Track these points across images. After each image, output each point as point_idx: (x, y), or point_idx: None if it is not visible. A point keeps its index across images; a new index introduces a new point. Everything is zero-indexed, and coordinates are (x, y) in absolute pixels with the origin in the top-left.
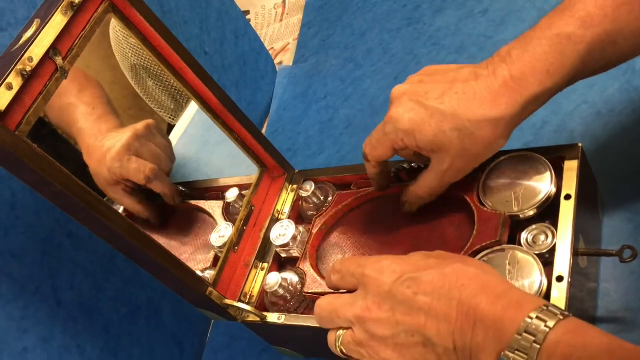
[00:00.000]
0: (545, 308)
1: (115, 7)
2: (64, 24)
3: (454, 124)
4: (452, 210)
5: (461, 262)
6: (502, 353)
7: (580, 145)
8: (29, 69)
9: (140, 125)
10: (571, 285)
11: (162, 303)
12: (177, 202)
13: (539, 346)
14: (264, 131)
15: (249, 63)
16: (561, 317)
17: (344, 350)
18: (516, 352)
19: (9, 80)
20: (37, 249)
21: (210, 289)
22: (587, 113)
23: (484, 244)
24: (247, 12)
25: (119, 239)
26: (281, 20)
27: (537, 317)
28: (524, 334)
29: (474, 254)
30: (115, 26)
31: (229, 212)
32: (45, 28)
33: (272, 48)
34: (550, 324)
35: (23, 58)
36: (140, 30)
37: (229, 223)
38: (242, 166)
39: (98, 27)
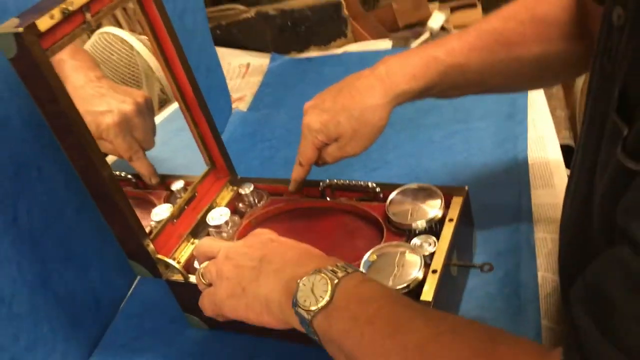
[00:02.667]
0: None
1: None
2: None
3: (345, 115)
4: (367, 227)
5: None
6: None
7: (466, 188)
8: (70, 9)
9: (141, 99)
10: (441, 280)
11: (95, 258)
12: (153, 183)
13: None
14: None
15: (212, 96)
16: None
17: (202, 273)
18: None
19: (53, 12)
20: (11, 169)
21: (148, 241)
22: (482, 180)
23: None
24: None
25: (93, 171)
26: (243, 77)
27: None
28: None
29: None
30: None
31: (170, 201)
32: None
33: (231, 96)
34: (349, 270)
35: (67, 1)
36: (153, 25)
37: (171, 205)
38: (195, 170)
39: (122, 6)
